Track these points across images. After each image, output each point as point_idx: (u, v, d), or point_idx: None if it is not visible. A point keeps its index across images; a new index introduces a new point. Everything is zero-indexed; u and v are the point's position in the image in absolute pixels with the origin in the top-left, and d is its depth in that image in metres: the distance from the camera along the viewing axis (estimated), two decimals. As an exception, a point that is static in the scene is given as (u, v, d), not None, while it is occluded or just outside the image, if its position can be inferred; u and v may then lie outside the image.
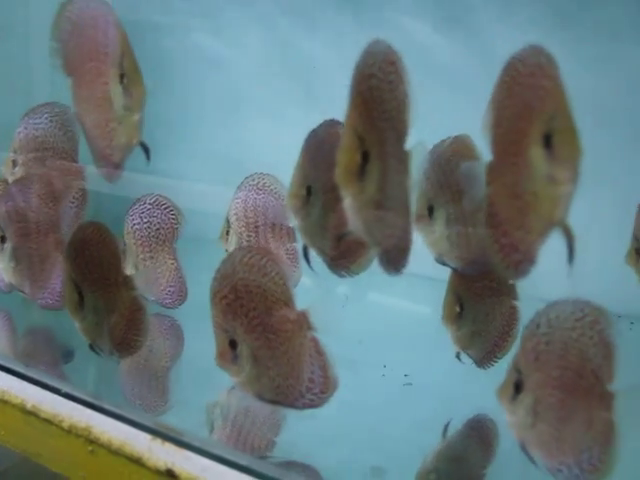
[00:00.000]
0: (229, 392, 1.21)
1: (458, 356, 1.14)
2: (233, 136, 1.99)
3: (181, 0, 1.99)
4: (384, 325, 1.46)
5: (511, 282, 1.04)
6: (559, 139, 0.74)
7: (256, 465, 0.90)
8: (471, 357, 1.14)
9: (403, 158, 0.86)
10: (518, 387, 0.86)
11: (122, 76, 1.04)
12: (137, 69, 1.05)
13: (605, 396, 0.84)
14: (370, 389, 1.24)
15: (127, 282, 1.20)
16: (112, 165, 1.11)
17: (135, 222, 1.44)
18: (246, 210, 1.29)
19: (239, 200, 1.30)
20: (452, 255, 1.05)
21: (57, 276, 1.39)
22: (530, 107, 0.76)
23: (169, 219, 1.45)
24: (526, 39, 0.78)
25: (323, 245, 1.02)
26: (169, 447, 0.97)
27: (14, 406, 1.15)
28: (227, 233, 1.32)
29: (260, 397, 1.04)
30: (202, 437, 0.99)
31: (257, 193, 1.30)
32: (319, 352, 0.99)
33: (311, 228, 1.02)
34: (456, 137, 1.05)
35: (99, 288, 1.18)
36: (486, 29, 1.58)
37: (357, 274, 1.10)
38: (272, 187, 1.29)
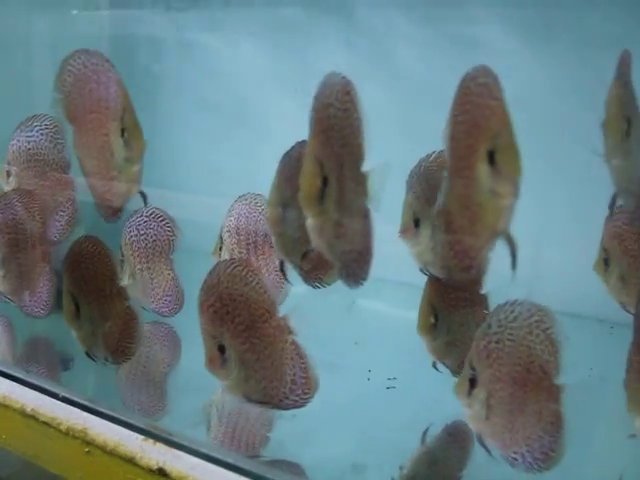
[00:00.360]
0: (223, 392, 1.25)
1: (435, 366, 1.16)
2: (229, 149, 2.04)
3: (179, 12, 2.05)
4: (371, 331, 1.52)
5: (483, 292, 1.09)
6: (501, 156, 0.81)
7: (242, 463, 0.96)
8: (447, 367, 1.17)
9: (361, 180, 0.94)
10: (473, 383, 0.94)
11: (123, 130, 1.12)
12: (137, 124, 1.13)
13: (553, 389, 0.92)
14: (355, 392, 1.29)
15: (121, 293, 1.28)
16: (112, 209, 1.20)
17: (132, 234, 1.49)
18: (238, 227, 1.36)
19: (232, 218, 1.37)
20: (437, 266, 1.08)
21: (43, 285, 1.46)
22: (478, 125, 0.83)
23: (165, 231, 1.51)
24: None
25: (297, 259, 1.08)
26: (160, 447, 1.03)
27: (15, 410, 1.20)
28: (220, 249, 1.39)
29: (248, 399, 1.11)
30: (191, 437, 1.05)
31: (249, 212, 1.37)
32: (300, 355, 1.07)
33: (286, 244, 1.09)
34: (441, 151, 1.07)
35: (94, 299, 1.25)
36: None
37: (329, 284, 1.17)
38: (263, 207, 1.36)
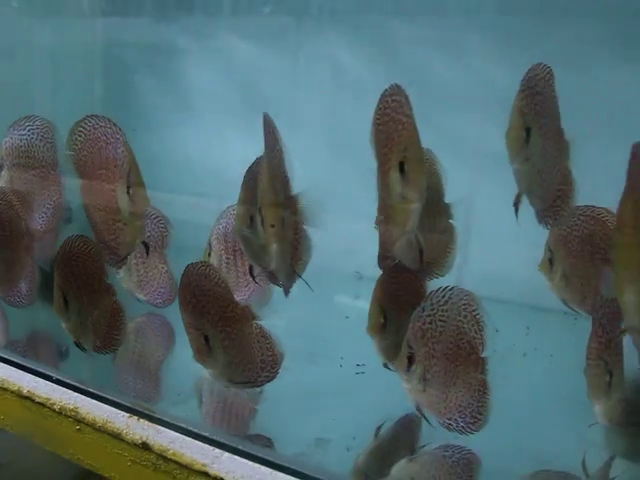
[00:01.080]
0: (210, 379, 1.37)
1: (386, 365, 1.22)
2: (221, 153, 2.12)
3: (174, 22, 2.13)
4: (344, 323, 1.61)
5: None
6: (409, 167, 0.94)
7: (216, 435, 1.07)
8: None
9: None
10: (410, 360, 1.06)
11: (129, 188, 1.24)
12: (142, 183, 1.25)
13: (479, 362, 1.07)
14: (327, 377, 1.40)
15: (109, 288, 1.39)
16: (118, 257, 1.32)
17: None
18: (226, 235, 1.47)
19: (220, 226, 1.48)
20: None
21: (25, 277, 1.57)
22: (392, 138, 0.95)
23: (159, 228, 1.63)
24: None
25: (265, 263, 1.19)
26: (143, 423, 1.14)
27: (12, 392, 1.30)
28: (209, 254, 1.50)
29: (232, 382, 1.25)
30: (171, 414, 1.15)
31: None
32: (265, 336, 1.21)
33: (255, 251, 1.20)
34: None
35: (83, 294, 1.36)
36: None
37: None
38: None
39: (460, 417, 1.07)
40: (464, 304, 1.05)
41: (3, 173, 1.57)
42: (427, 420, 1.09)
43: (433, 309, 1.04)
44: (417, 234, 0.99)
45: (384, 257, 1.06)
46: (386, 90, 0.97)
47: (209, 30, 2.05)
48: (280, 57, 1.91)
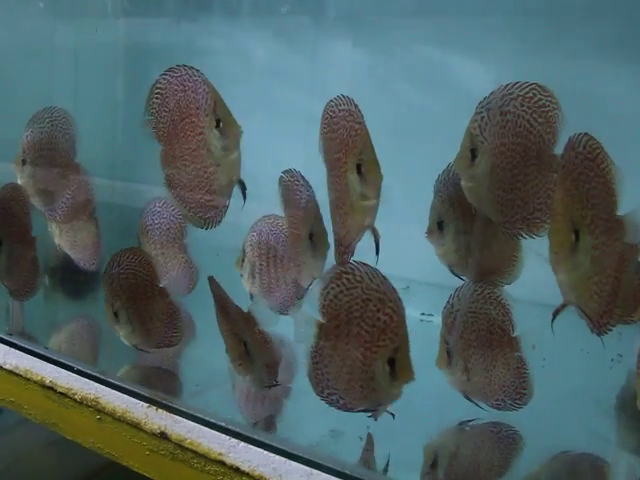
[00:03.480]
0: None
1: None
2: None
3: (190, 23, 2.16)
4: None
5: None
6: (366, 168, 1.03)
7: (231, 425, 1.10)
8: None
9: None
10: (450, 354, 1.13)
11: (218, 121, 1.18)
12: (229, 112, 1.18)
13: (512, 342, 1.13)
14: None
15: (162, 292, 1.46)
16: (212, 210, 1.26)
17: (148, 223, 1.68)
18: (260, 242, 1.51)
19: (254, 234, 1.53)
20: (461, 266, 1.22)
21: (27, 268, 1.67)
22: (346, 143, 1.04)
23: (176, 219, 1.67)
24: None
25: None
26: (162, 413, 1.17)
27: (35, 382, 1.36)
28: (242, 260, 1.55)
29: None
30: (188, 404, 1.19)
31: (270, 229, 1.52)
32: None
33: None
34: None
35: (135, 302, 1.44)
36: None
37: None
38: (283, 226, 1.50)
39: (506, 396, 1.14)
40: (488, 293, 1.14)
41: (26, 167, 1.64)
42: (478, 405, 1.15)
43: (460, 303, 1.13)
44: (375, 228, 1.07)
45: (343, 252, 1.10)
46: (331, 101, 1.08)
47: (228, 30, 2.08)
48: (298, 56, 1.93)
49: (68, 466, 2.18)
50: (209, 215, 1.26)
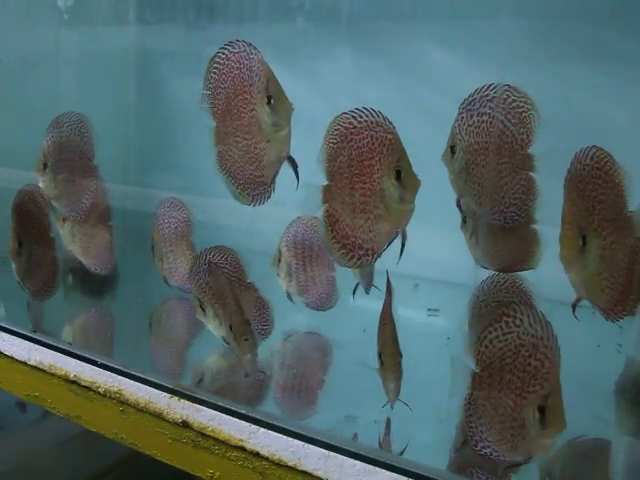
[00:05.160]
0: (284, 341, 1.58)
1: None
2: None
3: (198, 30, 2.23)
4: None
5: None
6: (406, 174, 1.12)
7: (251, 412, 1.16)
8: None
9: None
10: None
11: (269, 98, 1.21)
12: (281, 89, 1.21)
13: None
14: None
15: (250, 287, 1.51)
16: (260, 187, 1.28)
17: (159, 222, 1.80)
18: (295, 243, 1.61)
19: (290, 234, 1.63)
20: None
21: (47, 269, 1.77)
22: (379, 151, 1.13)
23: (183, 216, 1.79)
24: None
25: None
26: (184, 403, 1.23)
27: (59, 377, 1.42)
28: (279, 260, 1.65)
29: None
30: (209, 393, 1.25)
31: (305, 230, 1.62)
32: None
33: None
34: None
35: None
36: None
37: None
38: (318, 227, 1.55)
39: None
40: (511, 283, 1.26)
41: (47, 171, 1.72)
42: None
43: (484, 294, 1.26)
44: (404, 231, 1.16)
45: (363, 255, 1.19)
46: (348, 111, 1.15)
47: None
48: (308, 65, 1.99)
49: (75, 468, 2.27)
50: (257, 192, 1.29)
